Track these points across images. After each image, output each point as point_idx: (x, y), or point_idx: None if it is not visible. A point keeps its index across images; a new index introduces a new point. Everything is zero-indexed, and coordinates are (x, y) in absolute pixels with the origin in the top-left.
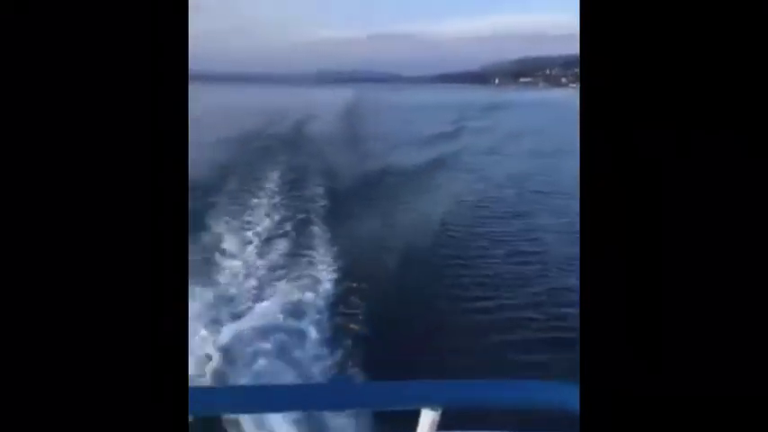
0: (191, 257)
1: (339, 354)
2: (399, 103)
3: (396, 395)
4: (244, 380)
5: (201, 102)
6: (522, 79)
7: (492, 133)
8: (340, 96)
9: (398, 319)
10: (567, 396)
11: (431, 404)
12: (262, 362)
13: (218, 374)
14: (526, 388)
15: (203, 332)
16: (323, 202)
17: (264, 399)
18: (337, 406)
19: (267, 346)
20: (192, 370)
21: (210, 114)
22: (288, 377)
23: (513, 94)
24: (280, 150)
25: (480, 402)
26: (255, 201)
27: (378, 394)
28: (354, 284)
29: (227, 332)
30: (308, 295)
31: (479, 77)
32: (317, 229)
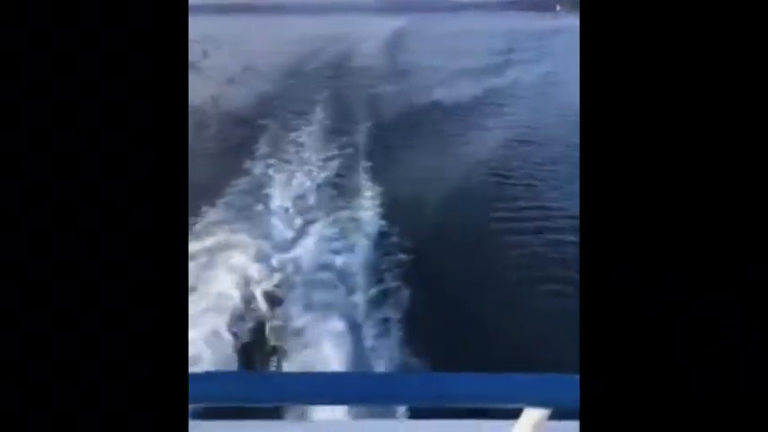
0: (236, 197)
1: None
2: (453, 32)
3: (392, 388)
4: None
5: (247, 30)
6: None
7: (548, 61)
8: (390, 25)
9: (442, 263)
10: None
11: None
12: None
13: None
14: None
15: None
16: (368, 138)
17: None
18: (348, 400)
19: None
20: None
21: (256, 43)
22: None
23: (572, 20)
24: (324, 81)
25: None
26: (299, 135)
27: (381, 387)
28: (398, 225)
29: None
30: (352, 233)
31: (542, 4)
32: (361, 165)
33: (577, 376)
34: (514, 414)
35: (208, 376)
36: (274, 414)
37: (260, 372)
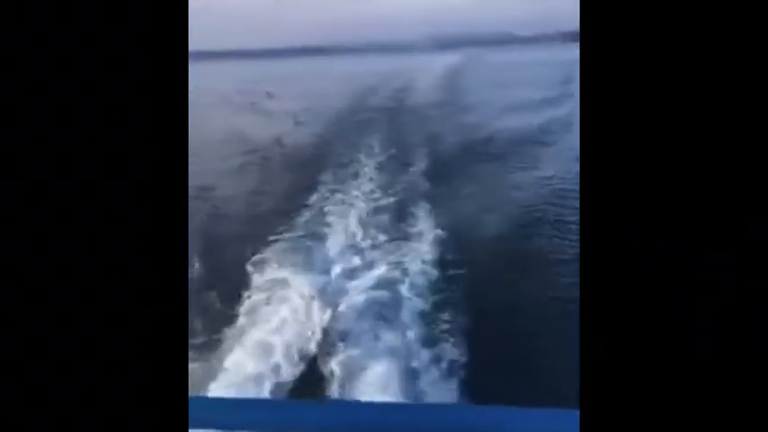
0: (293, 235)
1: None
2: (508, 65)
3: (413, 419)
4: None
5: (310, 70)
6: None
7: None
8: (443, 62)
9: (496, 301)
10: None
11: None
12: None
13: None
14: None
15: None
16: (425, 174)
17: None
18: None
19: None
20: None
21: (315, 84)
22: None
23: None
24: (381, 121)
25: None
26: (358, 172)
27: (388, 416)
28: (455, 260)
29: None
30: (411, 269)
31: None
32: (419, 202)
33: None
34: None
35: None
36: None
37: (280, 400)
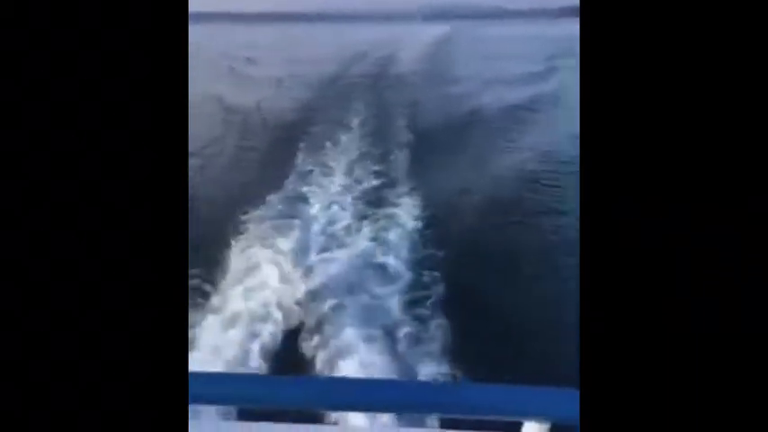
0: (274, 204)
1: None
2: (496, 39)
3: (392, 396)
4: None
5: (292, 38)
6: None
7: None
8: (433, 32)
9: (477, 272)
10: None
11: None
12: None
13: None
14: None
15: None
16: (408, 146)
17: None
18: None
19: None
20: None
21: (300, 51)
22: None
23: None
24: (365, 89)
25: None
26: (338, 144)
27: (379, 394)
28: (437, 232)
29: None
30: (391, 240)
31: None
32: (401, 174)
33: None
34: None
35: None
36: (308, 418)
37: (279, 376)
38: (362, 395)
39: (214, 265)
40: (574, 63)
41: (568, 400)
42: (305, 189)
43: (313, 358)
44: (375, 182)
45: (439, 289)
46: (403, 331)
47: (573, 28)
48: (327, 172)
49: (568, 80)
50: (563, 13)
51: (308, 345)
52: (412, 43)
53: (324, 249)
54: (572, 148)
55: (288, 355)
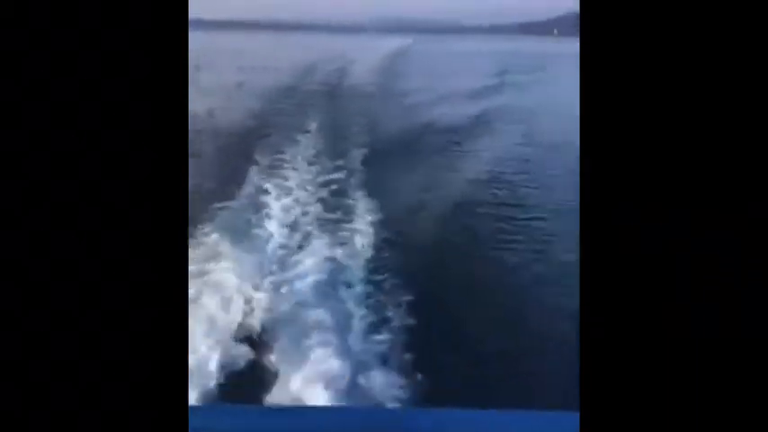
0: (228, 217)
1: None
2: (451, 53)
3: (402, 425)
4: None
5: (243, 46)
6: None
7: (542, 86)
8: (388, 46)
9: (437, 280)
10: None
11: None
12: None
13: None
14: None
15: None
16: (363, 158)
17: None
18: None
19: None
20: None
21: (252, 59)
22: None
23: (567, 46)
24: (319, 100)
25: None
26: (293, 154)
27: (381, 423)
28: (393, 243)
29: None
30: (345, 253)
31: (540, 28)
32: (357, 186)
33: (576, 414)
34: None
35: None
36: None
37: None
38: (355, 424)
39: None
40: (524, 79)
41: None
42: (259, 200)
43: (270, 373)
44: (330, 193)
45: (398, 299)
46: (361, 342)
47: (525, 44)
48: (280, 183)
49: (519, 95)
50: (518, 29)
51: (264, 358)
52: (367, 55)
53: (278, 266)
54: (521, 160)
55: (243, 368)
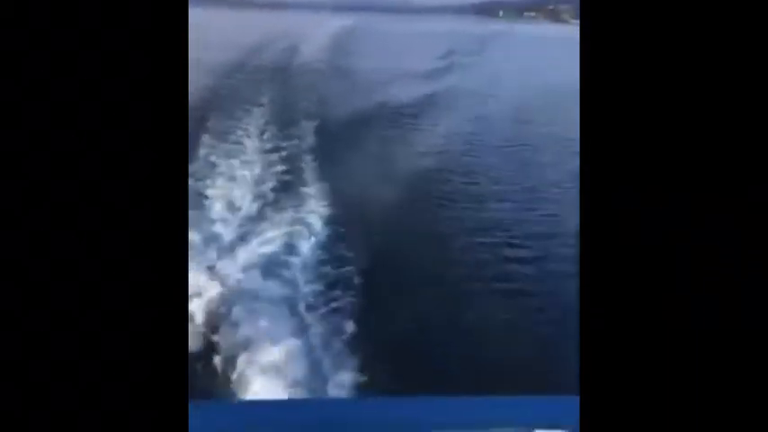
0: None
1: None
2: (399, 33)
3: (390, 414)
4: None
5: (193, 22)
6: (526, 14)
7: (488, 66)
8: (338, 24)
9: (388, 264)
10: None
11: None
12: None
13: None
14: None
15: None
16: (312, 138)
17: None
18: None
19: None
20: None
21: (200, 36)
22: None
23: (514, 27)
24: (268, 79)
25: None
26: (242, 133)
27: (370, 412)
28: (344, 226)
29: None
30: (298, 234)
31: (486, 9)
32: (306, 165)
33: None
34: None
35: None
36: None
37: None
38: (348, 414)
39: None
40: (472, 60)
41: (570, 404)
42: (205, 183)
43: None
44: (281, 178)
45: (351, 287)
46: (313, 334)
47: (472, 25)
48: (230, 166)
49: (467, 75)
50: (463, 10)
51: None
52: (316, 33)
53: (226, 247)
54: (468, 141)
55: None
